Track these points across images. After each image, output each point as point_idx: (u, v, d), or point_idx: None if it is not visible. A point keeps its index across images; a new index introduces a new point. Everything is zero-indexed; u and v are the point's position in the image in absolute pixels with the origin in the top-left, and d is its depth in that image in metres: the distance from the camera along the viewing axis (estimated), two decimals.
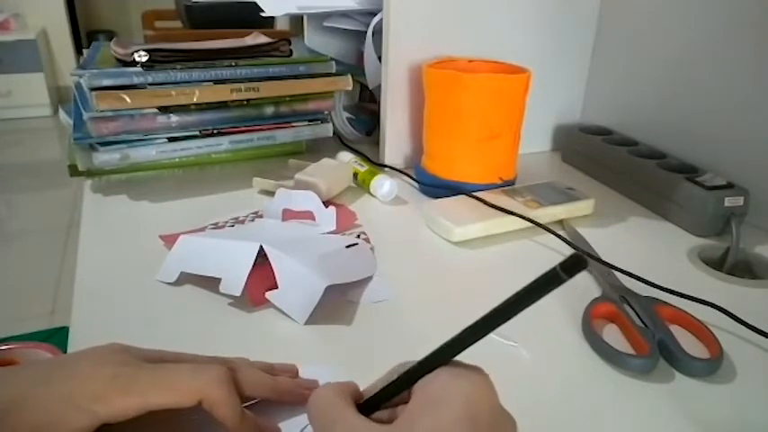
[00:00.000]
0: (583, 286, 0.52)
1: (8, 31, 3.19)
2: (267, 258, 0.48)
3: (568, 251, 0.57)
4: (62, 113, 0.74)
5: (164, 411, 0.30)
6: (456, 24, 0.72)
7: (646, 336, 0.43)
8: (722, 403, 0.39)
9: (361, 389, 0.30)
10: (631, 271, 0.51)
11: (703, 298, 0.47)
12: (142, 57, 0.64)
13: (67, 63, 3.51)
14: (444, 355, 0.27)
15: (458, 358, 0.28)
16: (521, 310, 0.25)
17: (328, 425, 0.27)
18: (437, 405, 0.25)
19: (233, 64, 0.69)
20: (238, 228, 0.59)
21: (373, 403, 0.28)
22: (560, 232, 0.59)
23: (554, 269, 0.23)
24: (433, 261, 0.56)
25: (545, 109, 0.83)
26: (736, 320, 0.46)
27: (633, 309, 0.47)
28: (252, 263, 0.47)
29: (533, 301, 0.24)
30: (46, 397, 0.28)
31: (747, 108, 0.62)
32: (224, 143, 0.72)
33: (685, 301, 0.48)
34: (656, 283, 0.50)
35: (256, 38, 0.79)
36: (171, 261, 0.51)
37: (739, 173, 0.63)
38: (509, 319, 0.25)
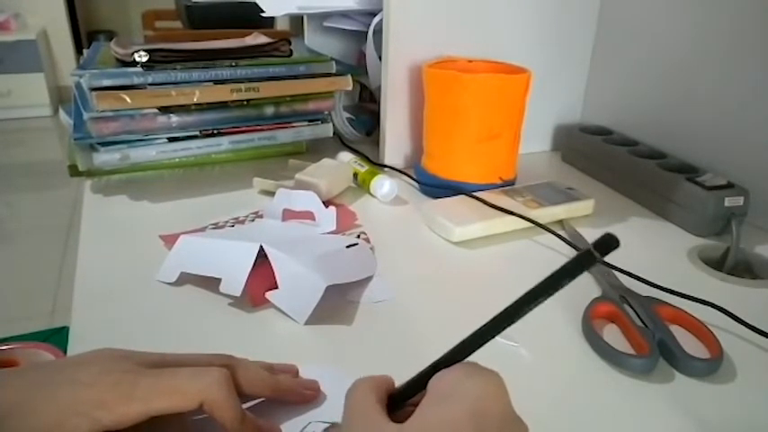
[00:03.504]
0: (583, 286, 0.52)
1: (8, 31, 3.19)
2: (267, 258, 0.48)
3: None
4: (62, 113, 0.74)
5: (164, 414, 0.30)
6: (456, 24, 0.72)
7: (646, 336, 0.43)
8: (722, 403, 0.39)
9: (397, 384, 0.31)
10: (631, 271, 0.51)
11: (703, 298, 0.47)
12: (142, 57, 0.64)
13: (67, 63, 3.50)
14: (472, 346, 0.28)
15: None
16: (554, 292, 0.25)
17: (350, 415, 0.28)
18: (447, 400, 0.26)
19: (233, 64, 0.69)
20: (238, 228, 0.59)
21: (398, 399, 0.29)
22: (560, 232, 0.59)
23: (588, 250, 0.24)
24: (433, 261, 0.56)
25: (545, 109, 0.83)
26: (736, 320, 0.46)
27: (633, 309, 0.47)
28: (252, 263, 0.47)
29: (567, 283, 0.25)
30: (47, 402, 0.28)
31: (747, 108, 0.62)
32: (224, 143, 0.72)
33: (685, 301, 0.48)
34: (656, 283, 0.50)
35: (256, 38, 0.79)
36: (171, 261, 0.51)
37: (739, 173, 0.63)
38: (542, 301, 0.26)
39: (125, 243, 0.57)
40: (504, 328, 0.27)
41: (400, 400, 0.29)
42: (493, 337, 0.27)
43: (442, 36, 0.72)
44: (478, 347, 0.28)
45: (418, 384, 0.29)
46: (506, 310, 0.27)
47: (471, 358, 0.28)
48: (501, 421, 0.26)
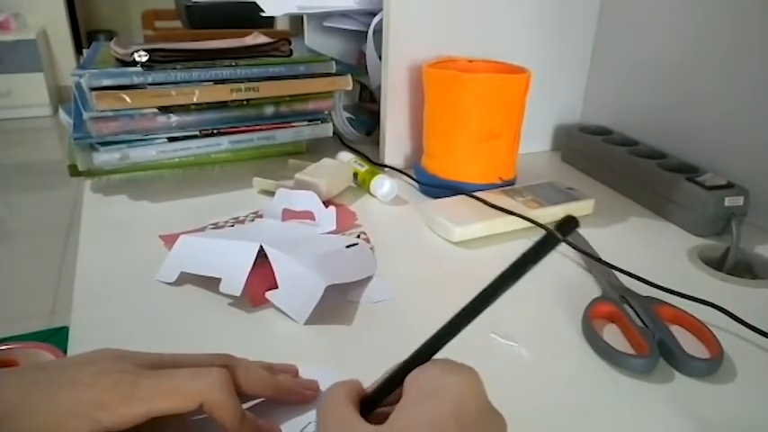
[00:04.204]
0: (583, 286, 0.52)
1: (8, 31, 3.19)
2: (267, 258, 0.48)
3: (568, 250, 0.57)
4: (62, 113, 0.74)
5: (164, 415, 0.30)
6: (456, 24, 0.72)
7: (646, 336, 0.43)
8: (722, 403, 0.39)
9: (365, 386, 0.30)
10: (631, 271, 0.51)
11: (703, 298, 0.47)
12: (142, 57, 0.64)
13: (67, 63, 3.51)
14: (439, 342, 0.27)
15: (453, 354, 0.28)
16: (520, 277, 0.25)
17: (325, 422, 0.28)
18: (426, 399, 0.26)
19: (233, 64, 0.69)
20: (238, 228, 0.59)
21: (372, 401, 0.29)
22: None
23: (550, 232, 0.24)
24: (433, 261, 0.56)
25: (545, 109, 0.83)
26: (736, 320, 0.46)
27: (633, 309, 0.47)
28: (252, 263, 0.47)
29: (532, 267, 0.25)
30: (46, 403, 0.28)
31: (747, 108, 0.62)
32: (224, 143, 0.72)
33: (685, 301, 0.48)
34: (656, 283, 0.50)
35: (256, 38, 0.79)
36: (171, 261, 0.51)
37: (739, 173, 0.63)
38: (509, 287, 0.26)
39: (125, 243, 0.57)
40: (473, 320, 0.27)
41: (373, 403, 0.29)
42: (461, 329, 0.27)
43: (442, 36, 0.72)
44: (448, 341, 0.27)
45: (390, 385, 0.28)
46: (473, 301, 0.26)
47: (467, 357, 0.28)
48: (480, 415, 0.26)
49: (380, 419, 0.26)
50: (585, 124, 0.82)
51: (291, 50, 0.74)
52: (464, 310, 0.27)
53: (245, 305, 0.47)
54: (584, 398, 0.39)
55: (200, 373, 0.31)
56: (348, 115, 0.85)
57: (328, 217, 0.59)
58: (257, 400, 0.36)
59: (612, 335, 0.45)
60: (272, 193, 0.63)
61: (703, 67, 0.66)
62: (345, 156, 0.74)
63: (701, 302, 0.47)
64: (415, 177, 0.71)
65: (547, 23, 0.77)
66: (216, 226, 0.59)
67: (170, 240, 0.54)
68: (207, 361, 0.33)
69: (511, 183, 0.68)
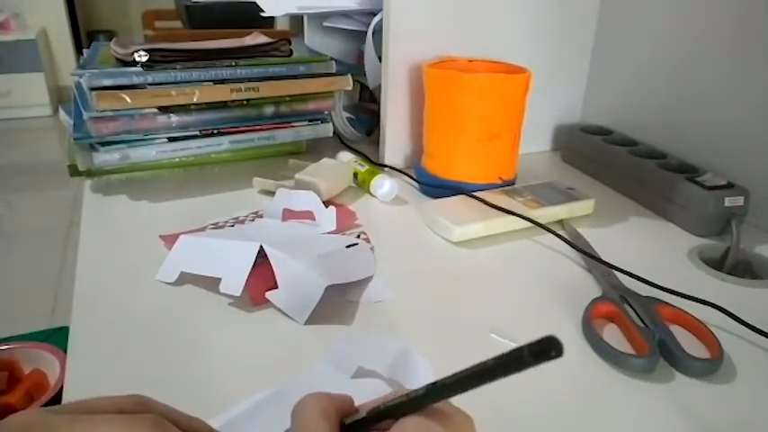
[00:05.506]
0: (583, 286, 0.52)
1: (8, 31, 3.19)
2: (267, 258, 0.48)
3: (569, 251, 0.57)
4: (62, 113, 0.74)
5: None
6: (456, 24, 0.72)
7: (646, 336, 0.43)
8: (722, 403, 0.39)
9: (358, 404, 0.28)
10: (631, 271, 0.51)
11: (703, 298, 0.47)
12: (142, 57, 0.64)
13: (67, 63, 3.50)
14: (435, 396, 0.26)
15: (454, 353, 0.27)
16: (469, 389, 0.24)
17: None
18: None
19: (233, 64, 0.69)
20: (238, 228, 0.59)
21: (354, 427, 0.27)
22: (560, 232, 0.59)
23: (519, 350, 0.22)
24: (433, 261, 0.56)
25: (545, 109, 0.83)
26: (736, 320, 0.45)
27: (633, 309, 0.47)
28: (252, 263, 0.47)
29: (492, 380, 0.24)
30: None
31: (748, 108, 0.62)
32: (224, 143, 0.72)
33: (685, 301, 0.48)
34: (657, 283, 0.50)
35: (256, 38, 0.79)
36: (171, 261, 0.51)
37: (739, 173, 0.63)
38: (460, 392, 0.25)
39: (125, 243, 0.57)
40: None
41: (355, 428, 0.27)
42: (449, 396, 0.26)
43: (442, 36, 0.72)
44: (443, 399, 0.26)
45: (376, 421, 0.27)
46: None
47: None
48: None
49: None
50: (585, 124, 0.82)
51: (291, 50, 0.74)
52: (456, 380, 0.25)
53: (245, 305, 0.47)
54: (584, 398, 0.39)
55: (133, 419, 0.26)
56: (348, 115, 0.85)
57: (328, 217, 0.59)
58: None
59: (612, 335, 0.45)
60: (272, 193, 0.63)
61: (703, 67, 0.66)
62: (345, 156, 0.74)
63: (701, 302, 0.47)
64: (415, 177, 0.71)
65: (547, 24, 0.77)
66: (216, 226, 0.59)
67: (170, 240, 0.54)
68: (120, 403, 0.28)
69: (511, 183, 0.68)
